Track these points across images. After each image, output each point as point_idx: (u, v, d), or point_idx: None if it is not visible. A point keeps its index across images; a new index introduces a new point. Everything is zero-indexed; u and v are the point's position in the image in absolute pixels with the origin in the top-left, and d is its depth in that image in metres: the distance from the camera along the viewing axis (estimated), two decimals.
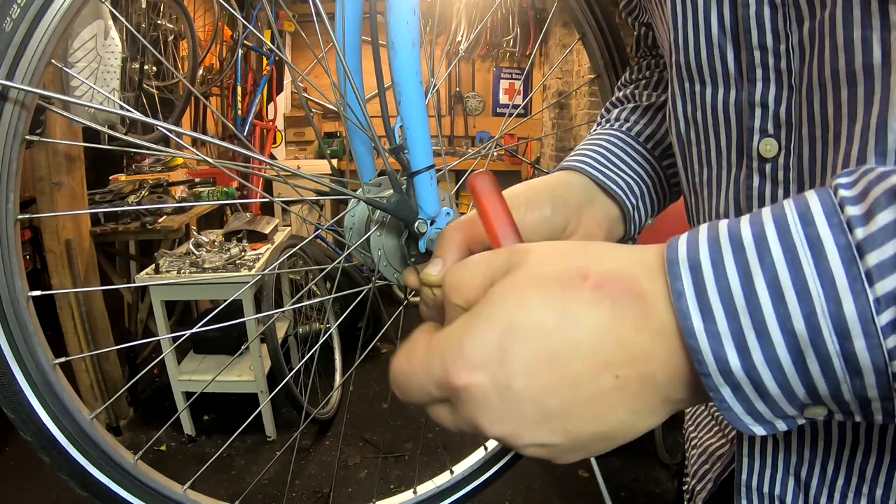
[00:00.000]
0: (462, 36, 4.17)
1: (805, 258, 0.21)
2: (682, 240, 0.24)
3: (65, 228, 2.06)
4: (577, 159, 0.53)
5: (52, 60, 0.39)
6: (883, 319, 0.20)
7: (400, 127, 0.41)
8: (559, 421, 0.26)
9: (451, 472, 0.70)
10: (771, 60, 0.34)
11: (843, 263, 0.20)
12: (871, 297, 0.20)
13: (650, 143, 0.55)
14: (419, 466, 2.11)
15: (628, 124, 0.57)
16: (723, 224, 0.24)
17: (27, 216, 0.43)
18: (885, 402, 0.23)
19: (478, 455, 0.71)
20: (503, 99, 4.62)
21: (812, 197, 0.22)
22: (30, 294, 0.43)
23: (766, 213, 0.23)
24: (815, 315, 0.21)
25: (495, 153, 4.09)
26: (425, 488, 0.69)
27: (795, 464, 0.38)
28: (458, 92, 4.59)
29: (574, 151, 0.55)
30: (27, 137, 0.40)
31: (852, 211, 0.21)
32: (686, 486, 0.55)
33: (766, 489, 0.40)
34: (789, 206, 0.23)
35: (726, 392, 0.23)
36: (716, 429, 0.53)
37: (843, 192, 0.22)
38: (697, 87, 0.39)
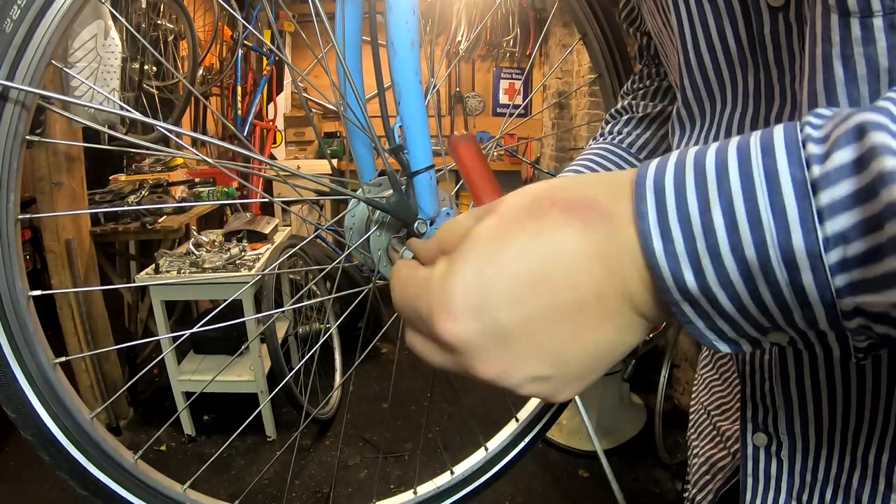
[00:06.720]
0: (462, 36, 4.16)
1: (760, 188, 0.21)
2: (654, 163, 0.25)
3: (65, 228, 2.05)
4: (566, 175, 0.56)
5: (53, 61, 0.39)
6: (832, 258, 0.20)
7: (399, 127, 0.41)
8: (549, 350, 0.26)
9: (452, 473, 0.70)
10: (787, 79, 0.33)
11: (797, 198, 0.21)
12: (820, 235, 0.20)
13: (643, 153, 0.57)
14: (419, 466, 2.11)
15: (620, 136, 0.59)
16: (692, 150, 0.24)
17: (27, 216, 0.43)
18: (840, 340, 0.23)
19: (478, 455, 0.71)
20: (503, 99, 4.61)
21: (778, 130, 0.22)
22: (30, 293, 0.43)
23: (733, 141, 0.23)
24: (766, 244, 0.21)
25: (495, 153, 4.08)
26: (425, 489, 0.69)
27: (798, 488, 0.39)
28: (458, 92, 4.59)
29: (565, 168, 0.58)
30: (27, 137, 0.40)
31: (813, 149, 0.21)
32: (687, 494, 0.56)
33: None
34: (755, 137, 0.23)
35: (686, 308, 0.24)
36: (717, 439, 0.53)
37: (809, 130, 0.22)
38: (708, 107, 0.39)
